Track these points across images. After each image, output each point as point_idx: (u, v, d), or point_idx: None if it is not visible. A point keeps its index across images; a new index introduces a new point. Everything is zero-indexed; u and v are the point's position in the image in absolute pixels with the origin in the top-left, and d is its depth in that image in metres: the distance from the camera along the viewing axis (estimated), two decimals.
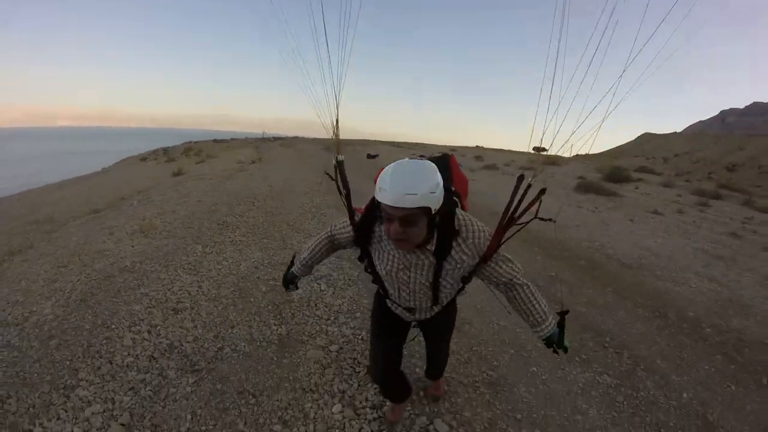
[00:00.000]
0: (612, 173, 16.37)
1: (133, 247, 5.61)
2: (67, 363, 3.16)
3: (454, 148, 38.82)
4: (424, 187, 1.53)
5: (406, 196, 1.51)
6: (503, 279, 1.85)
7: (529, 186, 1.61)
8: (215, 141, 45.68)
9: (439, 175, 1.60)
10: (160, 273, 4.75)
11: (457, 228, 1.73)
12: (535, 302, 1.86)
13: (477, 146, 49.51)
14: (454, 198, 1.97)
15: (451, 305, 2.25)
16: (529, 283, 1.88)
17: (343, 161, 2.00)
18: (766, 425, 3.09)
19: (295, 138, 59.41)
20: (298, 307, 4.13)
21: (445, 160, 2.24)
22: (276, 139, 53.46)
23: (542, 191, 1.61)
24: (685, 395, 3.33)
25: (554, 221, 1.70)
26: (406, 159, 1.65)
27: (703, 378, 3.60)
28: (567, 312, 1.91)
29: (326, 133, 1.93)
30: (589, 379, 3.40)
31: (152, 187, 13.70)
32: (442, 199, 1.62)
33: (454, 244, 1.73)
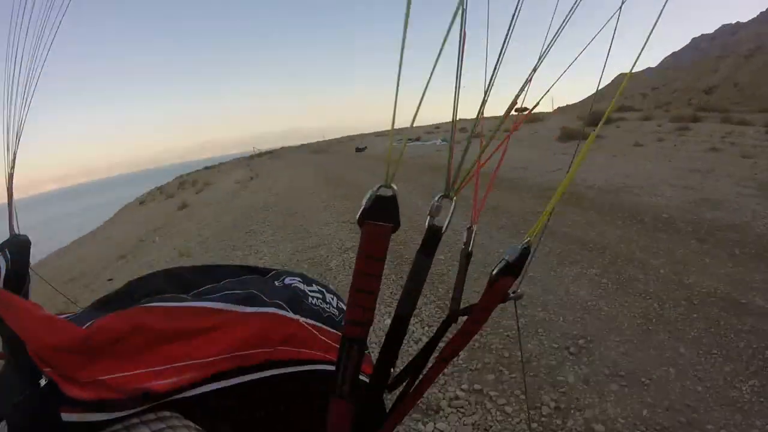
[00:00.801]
0: (592, 118, 17.00)
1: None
2: None
3: (438, 125, 39.06)
4: None
5: None
6: None
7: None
8: (206, 168, 46.38)
9: None
10: None
11: None
12: None
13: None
14: None
15: None
16: None
17: None
18: (741, 280, 3.82)
19: (282, 148, 60.58)
20: (336, 273, 4.94)
21: None
22: (265, 153, 54.29)
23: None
24: (662, 271, 4.10)
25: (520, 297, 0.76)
26: None
27: (678, 258, 4.36)
28: None
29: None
30: (577, 273, 4.20)
31: (165, 224, 14.45)
32: None
33: None
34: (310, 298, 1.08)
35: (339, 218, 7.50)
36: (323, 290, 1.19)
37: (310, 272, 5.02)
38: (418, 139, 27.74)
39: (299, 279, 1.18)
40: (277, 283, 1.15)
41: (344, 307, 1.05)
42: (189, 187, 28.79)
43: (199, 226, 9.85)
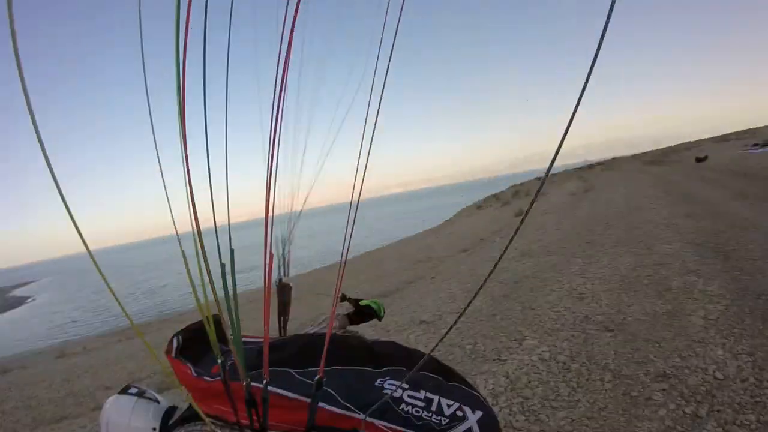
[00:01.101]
0: None
1: (523, 264, 7.42)
2: (512, 328, 4.90)
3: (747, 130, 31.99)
4: None
5: None
6: None
7: None
8: (537, 179, 47.99)
9: None
10: (557, 277, 6.40)
11: None
12: None
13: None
14: None
15: None
16: None
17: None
18: None
19: (614, 159, 58.22)
20: (677, 292, 5.06)
21: None
22: (597, 164, 53.25)
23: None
24: None
25: None
26: None
27: None
28: None
29: None
30: None
31: (503, 227, 15.98)
32: None
33: None
34: (404, 405, 1.26)
35: (683, 238, 7.29)
36: (436, 398, 1.30)
37: (647, 291, 5.27)
38: (766, 145, 24.30)
39: (399, 384, 1.33)
40: (378, 382, 1.38)
41: (468, 413, 1.25)
42: (523, 196, 30.28)
43: (538, 232, 10.78)
